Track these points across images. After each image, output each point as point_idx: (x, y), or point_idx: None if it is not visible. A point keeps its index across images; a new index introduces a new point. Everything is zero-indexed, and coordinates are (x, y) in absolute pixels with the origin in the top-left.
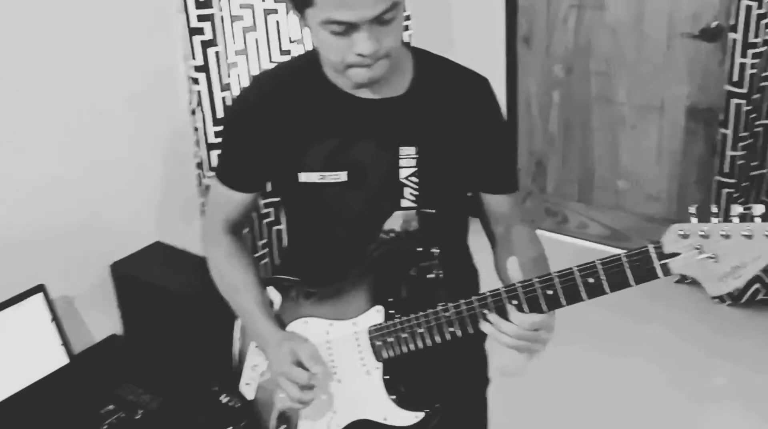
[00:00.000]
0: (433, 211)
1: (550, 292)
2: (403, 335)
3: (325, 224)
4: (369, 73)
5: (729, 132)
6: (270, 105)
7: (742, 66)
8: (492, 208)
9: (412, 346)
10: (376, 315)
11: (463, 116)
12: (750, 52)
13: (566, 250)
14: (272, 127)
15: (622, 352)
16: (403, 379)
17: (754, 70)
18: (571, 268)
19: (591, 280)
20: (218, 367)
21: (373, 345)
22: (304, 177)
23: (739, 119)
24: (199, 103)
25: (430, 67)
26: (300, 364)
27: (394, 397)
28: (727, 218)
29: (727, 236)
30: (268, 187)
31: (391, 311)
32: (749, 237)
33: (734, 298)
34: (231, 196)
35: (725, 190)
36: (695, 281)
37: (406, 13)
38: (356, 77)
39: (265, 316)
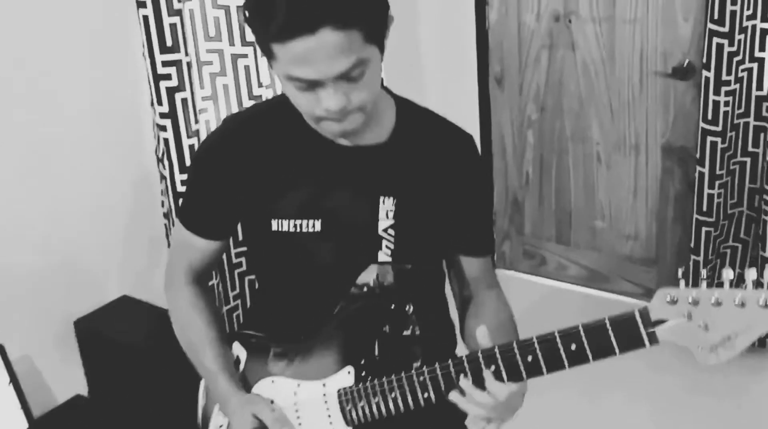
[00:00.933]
0: (409, 265)
1: (530, 358)
2: (375, 399)
3: (296, 276)
4: (340, 127)
5: (705, 170)
6: (241, 147)
7: (716, 104)
8: (464, 270)
9: (384, 411)
10: (346, 377)
11: (444, 170)
12: (723, 89)
13: (545, 293)
14: (243, 171)
15: (601, 391)
16: None
17: (728, 108)
18: (552, 333)
19: (573, 347)
20: (187, 427)
21: (342, 409)
22: (277, 225)
23: (714, 157)
24: (166, 151)
25: (414, 118)
26: None
27: None
28: (718, 282)
29: (718, 304)
30: (240, 234)
31: (362, 373)
32: (742, 305)
33: None
34: (194, 243)
35: (704, 229)
36: None
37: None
38: (328, 131)
39: (227, 377)
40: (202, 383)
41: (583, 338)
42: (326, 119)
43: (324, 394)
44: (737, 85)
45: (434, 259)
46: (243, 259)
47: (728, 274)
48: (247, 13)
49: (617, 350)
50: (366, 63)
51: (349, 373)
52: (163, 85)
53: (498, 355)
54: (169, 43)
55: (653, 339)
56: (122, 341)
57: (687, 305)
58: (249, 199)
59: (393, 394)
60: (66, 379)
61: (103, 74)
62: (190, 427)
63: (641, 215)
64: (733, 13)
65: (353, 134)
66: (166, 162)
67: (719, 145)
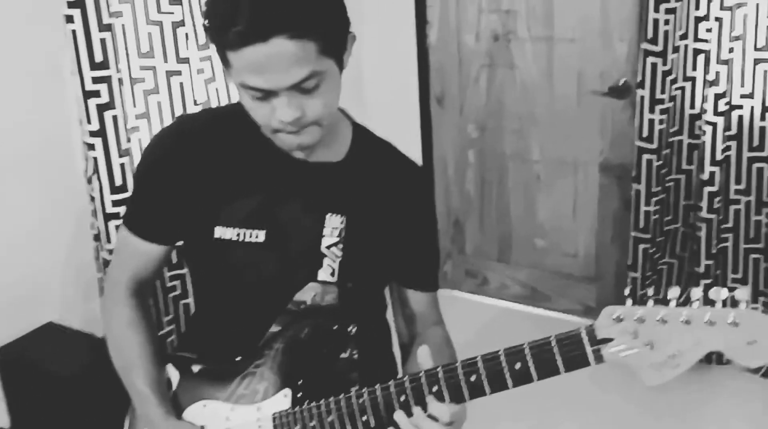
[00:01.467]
0: (351, 285)
1: (473, 377)
2: (311, 423)
3: (234, 290)
4: (297, 140)
5: (642, 187)
6: (191, 149)
7: (651, 122)
8: (409, 304)
9: None
10: (282, 400)
11: (393, 198)
12: (658, 107)
13: (488, 313)
14: (192, 174)
15: (553, 417)
16: None
17: (663, 126)
18: (497, 352)
19: (518, 366)
20: None
21: None
22: (220, 232)
23: (650, 174)
24: (96, 171)
25: (369, 143)
26: None
27: None
28: (663, 300)
29: (664, 322)
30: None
31: (299, 396)
32: (688, 322)
33: None
34: (140, 248)
35: (641, 246)
36: None
37: None
38: (284, 143)
39: (156, 400)
40: (128, 416)
41: (528, 357)
42: (282, 131)
43: (258, 419)
44: (671, 104)
45: (376, 280)
46: (177, 283)
47: (674, 292)
48: (206, 22)
49: (562, 369)
50: (321, 75)
51: (285, 396)
52: (93, 102)
53: (441, 375)
54: (99, 58)
55: (599, 358)
56: (47, 369)
57: (633, 323)
58: (196, 203)
59: (330, 418)
60: None
61: (31, 93)
62: None
63: (581, 233)
64: (666, 33)
65: (309, 149)
66: (95, 182)
67: (654, 163)
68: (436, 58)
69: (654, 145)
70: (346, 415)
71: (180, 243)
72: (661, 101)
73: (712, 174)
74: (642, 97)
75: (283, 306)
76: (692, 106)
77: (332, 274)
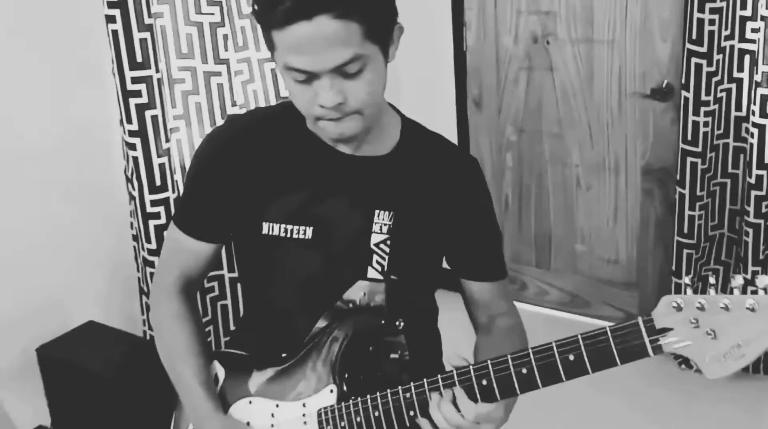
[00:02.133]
0: (399, 280)
1: (524, 370)
2: (357, 419)
3: (282, 287)
4: (338, 129)
5: (686, 191)
6: (241, 147)
7: (695, 124)
8: (474, 296)
9: None
10: (328, 396)
11: (447, 191)
12: (702, 109)
13: (525, 319)
14: (241, 171)
15: (580, 422)
16: None
17: (707, 128)
18: (549, 344)
19: (571, 358)
20: None
21: None
22: (268, 228)
23: (695, 178)
24: (136, 170)
25: (418, 136)
26: None
27: None
28: (727, 289)
29: (727, 309)
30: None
31: (345, 391)
32: (753, 310)
33: None
34: (190, 246)
35: (686, 251)
36: None
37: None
38: (325, 131)
39: (205, 394)
40: (174, 412)
41: (582, 348)
42: (323, 119)
43: (303, 414)
44: (716, 106)
45: (426, 280)
46: (215, 284)
47: (737, 280)
48: (255, 5)
49: (618, 361)
50: (364, 60)
51: (331, 392)
52: (133, 102)
53: (491, 368)
54: (139, 58)
55: (657, 349)
56: (88, 369)
57: (694, 311)
58: (245, 200)
59: (376, 413)
60: (28, 409)
61: (73, 93)
62: None
63: (622, 238)
64: (711, 33)
65: (353, 141)
66: (135, 182)
67: (699, 166)
68: (473, 60)
69: (698, 148)
70: (392, 410)
71: (227, 243)
72: (706, 103)
73: (759, 177)
74: (686, 99)
75: (331, 304)
76: (738, 109)
77: (381, 272)
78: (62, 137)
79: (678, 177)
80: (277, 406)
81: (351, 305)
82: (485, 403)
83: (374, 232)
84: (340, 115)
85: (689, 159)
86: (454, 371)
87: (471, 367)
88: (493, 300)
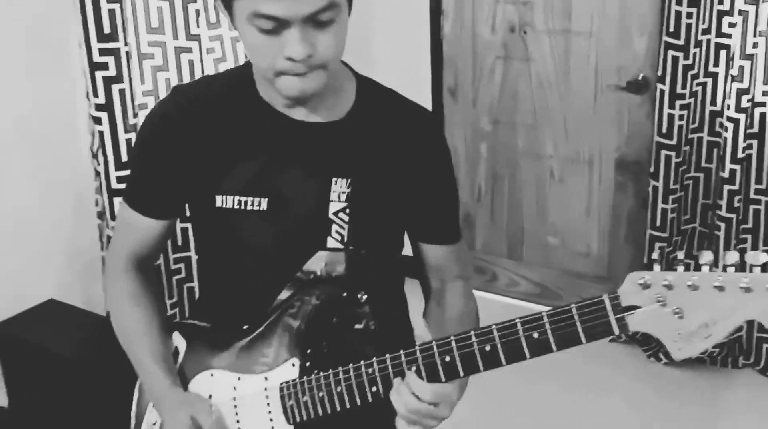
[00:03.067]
0: (363, 251)
1: (488, 347)
2: (320, 394)
3: (239, 260)
4: (301, 84)
5: (659, 185)
6: (189, 119)
7: (671, 117)
8: (428, 259)
9: (329, 408)
10: (290, 369)
11: (405, 152)
12: (678, 103)
13: (496, 310)
14: (190, 144)
15: (548, 416)
16: None
17: (682, 122)
18: (514, 320)
19: (535, 335)
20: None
21: (284, 405)
22: (221, 201)
23: (669, 172)
24: (102, 146)
25: (375, 95)
26: None
27: None
28: (696, 267)
29: (695, 287)
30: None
31: (308, 366)
32: (721, 289)
33: (670, 357)
34: (140, 223)
35: (657, 244)
36: (631, 339)
37: None
38: (287, 88)
39: (162, 371)
40: (137, 390)
41: (547, 326)
42: (287, 74)
43: (265, 389)
44: (692, 100)
45: (389, 247)
46: (182, 266)
47: (706, 256)
48: None
49: (583, 338)
50: (337, 10)
51: (293, 365)
52: (100, 74)
53: (454, 344)
54: (107, 29)
55: (623, 327)
56: (46, 347)
57: (661, 289)
58: (196, 173)
59: (339, 388)
60: None
61: (36, 64)
62: None
63: (594, 232)
64: (688, 26)
65: (312, 104)
66: (100, 157)
67: (673, 160)
68: (450, 50)
69: (673, 142)
70: (355, 386)
71: (180, 217)
72: (682, 96)
73: (732, 172)
74: (662, 92)
75: (291, 275)
76: (713, 103)
77: (341, 241)
78: (25, 109)
79: (652, 170)
80: (239, 379)
81: (312, 276)
82: (443, 383)
83: (332, 200)
84: (306, 69)
85: (663, 152)
86: (417, 347)
87: (434, 343)
88: (447, 263)
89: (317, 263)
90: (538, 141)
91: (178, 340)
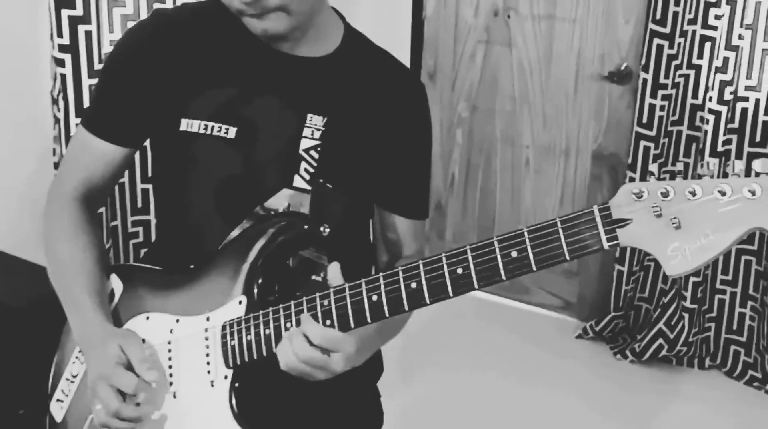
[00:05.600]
0: (329, 186)
1: (460, 270)
2: (266, 331)
3: (197, 190)
4: (261, 25)
5: (636, 176)
6: (164, 42)
7: (651, 107)
8: (389, 229)
9: (275, 348)
10: (236, 308)
11: (387, 105)
12: (660, 93)
13: (459, 303)
14: (163, 68)
15: (510, 412)
16: (256, 394)
17: (663, 113)
18: (491, 239)
19: (514, 254)
20: (28, 387)
21: (224, 345)
22: (186, 124)
23: (647, 163)
24: (63, 90)
25: (361, 43)
26: (129, 369)
27: (238, 414)
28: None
29: (694, 195)
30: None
31: (256, 303)
32: (724, 193)
33: (636, 355)
34: (98, 149)
35: None
36: (597, 336)
37: None
38: (250, 27)
39: (94, 307)
40: (61, 338)
41: (527, 242)
42: (246, 15)
43: (206, 329)
44: (674, 90)
45: (356, 193)
46: (140, 229)
47: (709, 166)
48: None
49: (567, 254)
50: None
51: (240, 303)
52: (66, 13)
53: (422, 269)
54: None
55: (613, 240)
56: None
57: (657, 198)
58: (164, 95)
59: (289, 324)
60: None
61: None
62: (31, 385)
63: None
64: (675, 15)
65: (284, 40)
66: (61, 103)
67: (652, 151)
68: (431, 30)
69: (653, 133)
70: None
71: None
72: (664, 86)
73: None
74: (645, 81)
75: (250, 211)
76: (695, 96)
77: (308, 182)
78: None
79: (629, 161)
80: (178, 321)
81: (272, 214)
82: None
83: (305, 136)
84: (261, 10)
85: (642, 143)
86: (381, 275)
87: (380, 275)
88: (405, 238)
89: (280, 202)
90: (516, 129)
91: (115, 283)
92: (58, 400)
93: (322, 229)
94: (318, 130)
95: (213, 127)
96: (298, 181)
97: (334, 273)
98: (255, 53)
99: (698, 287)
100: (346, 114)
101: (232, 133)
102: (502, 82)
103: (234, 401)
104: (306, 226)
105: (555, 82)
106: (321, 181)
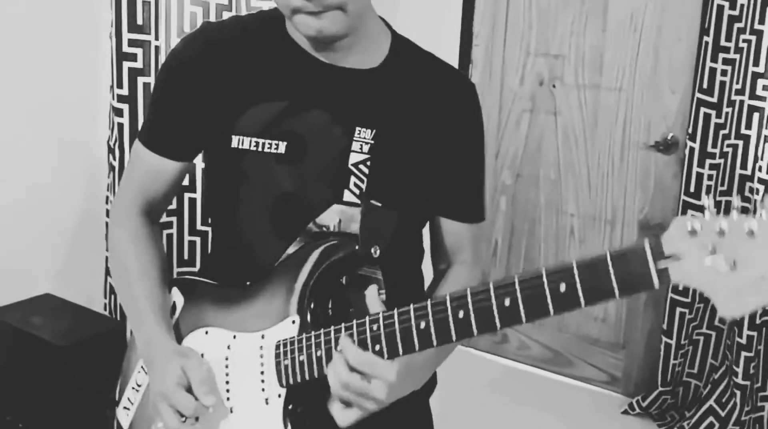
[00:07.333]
0: (380, 204)
1: (507, 301)
2: (318, 354)
3: (250, 207)
4: (317, 23)
5: None
6: (212, 56)
7: (699, 176)
8: (442, 236)
9: (326, 371)
10: (290, 327)
11: (438, 111)
12: (708, 162)
13: (504, 374)
14: (212, 82)
15: None
16: (309, 414)
17: (711, 182)
18: (538, 270)
19: (563, 288)
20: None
21: (278, 365)
22: (237, 141)
23: None
24: (119, 139)
25: (410, 51)
26: (189, 390)
27: None
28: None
29: (752, 235)
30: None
31: (309, 323)
32: None
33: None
34: (155, 165)
35: (678, 310)
36: (644, 412)
37: None
38: (303, 27)
39: (157, 320)
40: (127, 353)
41: (576, 276)
42: (301, 12)
43: (261, 347)
44: (722, 160)
45: (409, 208)
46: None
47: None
48: None
49: (617, 291)
50: None
51: (293, 323)
52: (127, 65)
53: (468, 299)
54: (139, 21)
55: (664, 277)
56: (40, 336)
57: (712, 236)
58: (215, 111)
59: (339, 348)
60: None
61: (62, 49)
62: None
63: None
64: (722, 84)
65: (335, 46)
66: (117, 152)
67: None
68: None
69: (701, 202)
70: (357, 344)
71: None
72: (712, 155)
73: None
74: (692, 149)
75: (302, 228)
76: (743, 167)
77: (358, 196)
78: (45, 95)
79: None
80: (235, 337)
81: (324, 230)
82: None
83: (354, 150)
84: (320, 8)
85: (690, 212)
86: (428, 303)
87: (428, 303)
88: (461, 245)
89: (331, 218)
90: (560, 197)
91: (177, 296)
92: (125, 408)
93: (372, 250)
94: (367, 143)
95: (263, 144)
96: (348, 196)
97: (371, 298)
98: (302, 66)
99: (750, 363)
100: (395, 125)
101: (282, 148)
102: (547, 150)
103: (287, 419)
104: (357, 248)
105: (600, 150)
106: (371, 200)
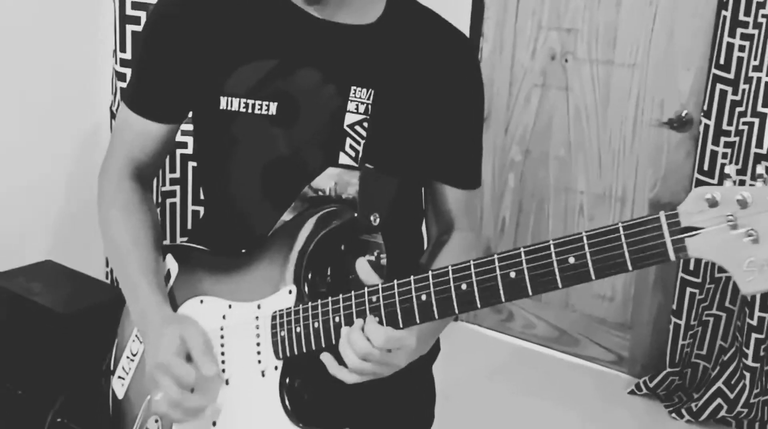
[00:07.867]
0: (378, 169)
1: (513, 274)
2: (315, 324)
3: (242, 171)
4: None
5: None
6: (197, 14)
7: (713, 154)
8: (439, 202)
9: (324, 342)
10: (286, 297)
11: (437, 70)
12: (722, 140)
13: (509, 352)
14: (197, 41)
15: None
16: (307, 387)
17: (725, 160)
18: (546, 242)
19: (571, 260)
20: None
21: (274, 336)
22: (225, 102)
23: None
24: None
25: (407, 7)
26: (188, 360)
27: (289, 408)
28: None
29: None
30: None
31: (306, 293)
32: None
33: (693, 415)
34: (142, 128)
35: (689, 290)
36: (651, 393)
37: None
38: None
39: (151, 288)
40: (122, 318)
41: (586, 247)
42: None
43: (257, 317)
44: (737, 138)
45: (407, 170)
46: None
47: None
48: None
49: (630, 264)
50: None
51: (290, 293)
52: (130, 29)
53: (471, 272)
54: None
55: (681, 251)
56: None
57: (733, 207)
58: (202, 71)
59: (337, 318)
60: None
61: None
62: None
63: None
64: (740, 60)
65: (336, 4)
66: None
67: None
68: (486, 73)
69: (714, 181)
70: (355, 316)
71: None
72: (727, 133)
73: None
74: (706, 127)
75: (296, 192)
76: (759, 145)
77: (355, 159)
78: (44, 63)
79: None
80: (230, 306)
81: (320, 194)
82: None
83: (349, 110)
84: None
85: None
86: (430, 273)
87: (430, 273)
88: (458, 211)
89: (326, 181)
90: (570, 175)
91: (171, 264)
92: (119, 377)
93: (372, 218)
94: (363, 103)
95: (253, 105)
96: (343, 159)
97: (362, 269)
98: (293, 21)
99: (761, 345)
100: (394, 85)
101: (273, 108)
102: (557, 126)
103: (284, 392)
104: (356, 215)
105: (612, 127)
106: (367, 163)
